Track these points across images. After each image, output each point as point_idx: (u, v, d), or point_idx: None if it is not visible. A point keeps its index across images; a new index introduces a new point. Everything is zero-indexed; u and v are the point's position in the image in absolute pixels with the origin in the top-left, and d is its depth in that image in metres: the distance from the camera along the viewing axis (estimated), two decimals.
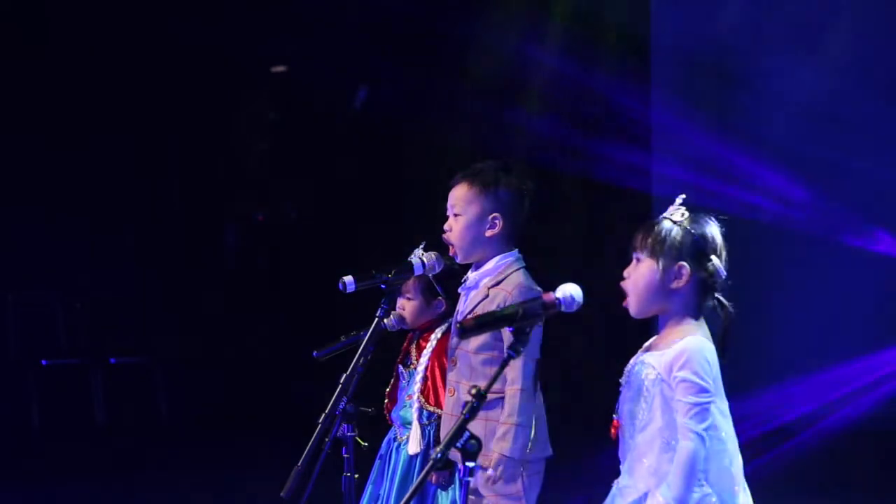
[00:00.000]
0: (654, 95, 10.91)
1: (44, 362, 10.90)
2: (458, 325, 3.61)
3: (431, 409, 4.85)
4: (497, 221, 4.56)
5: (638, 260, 3.79)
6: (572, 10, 10.86)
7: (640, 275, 3.78)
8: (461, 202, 4.58)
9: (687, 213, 3.79)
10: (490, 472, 4.38)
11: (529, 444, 4.42)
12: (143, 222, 11.71)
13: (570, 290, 3.56)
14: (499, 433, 4.40)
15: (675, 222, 3.78)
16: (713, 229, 3.80)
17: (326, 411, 4.28)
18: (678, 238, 3.75)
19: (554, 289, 3.58)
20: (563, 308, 3.56)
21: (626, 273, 3.82)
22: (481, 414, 4.37)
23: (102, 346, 11.19)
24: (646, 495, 3.69)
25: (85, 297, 11.32)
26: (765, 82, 10.59)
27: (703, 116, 10.55)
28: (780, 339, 10.43)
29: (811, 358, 10.25)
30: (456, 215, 4.59)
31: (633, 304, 3.81)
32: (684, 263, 3.74)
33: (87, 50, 11.07)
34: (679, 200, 3.83)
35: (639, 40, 10.93)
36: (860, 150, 10.31)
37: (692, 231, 3.77)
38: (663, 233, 3.76)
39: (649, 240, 3.77)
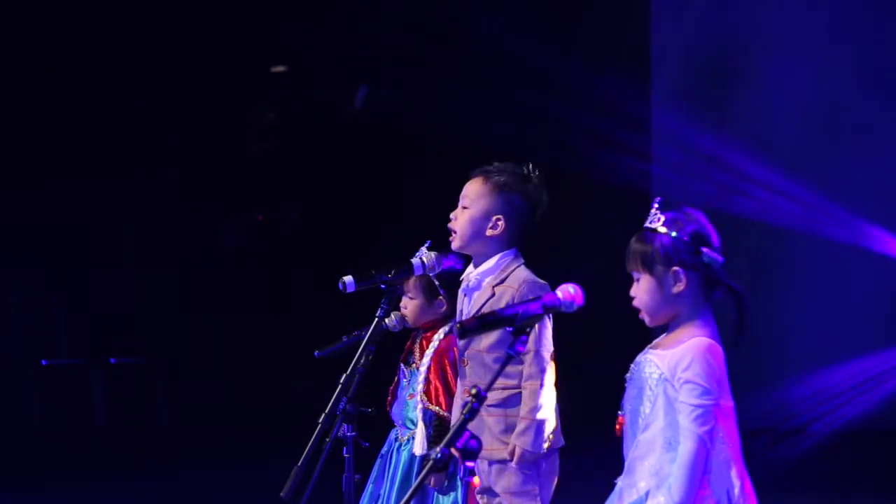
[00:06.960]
0: (654, 96, 10.91)
1: (44, 362, 10.88)
2: (458, 325, 3.61)
3: (434, 408, 4.87)
4: (500, 223, 4.59)
5: (637, 280, 3.80)
6: (573, 10, 10.86)
7: (643, 292, 3.78)
8: (472, 196, 4.63)
9: (663, 217, 3.79)
10: (511, 464, 4.44)
11: (547, 437, 4.48)
12: (143, 222, 11.70)
13: (570, 291, 3.58)
14: (520, 428, 4.45)
15: (655, 231, 3.78)
16: (695, 221, 3.80)
17: (326, 411, 4.29)
18: (663, 246, 3.75)
19: (553, 289, 3.59)
20: (563, 308, 3.57)
21: (632, 293, 3.83)
22: (500, 411, 4.49)
23: (102, 346, 11.18)
24: (647, 495, 3.69)
25: (85, 297, 11.31)
26: (765, 82, 10.59)
27: (703, 117, 10.54)
28: (781, 339, 10.42)
29: (811, 358, 10.25)
30: (464, 208, 4.62)
31: (646, 318, 3.82)
32: (677, 268, 3.74)
33: (86, 52, 11.06)
34: (656, 205, 3.82)
35: (639, 41, 10.92)
36: (861, 151, 10.32)
37: (673, 233, 3.76)
38: (648, 246, 3.76)
39: (639, 257, 3.78)
